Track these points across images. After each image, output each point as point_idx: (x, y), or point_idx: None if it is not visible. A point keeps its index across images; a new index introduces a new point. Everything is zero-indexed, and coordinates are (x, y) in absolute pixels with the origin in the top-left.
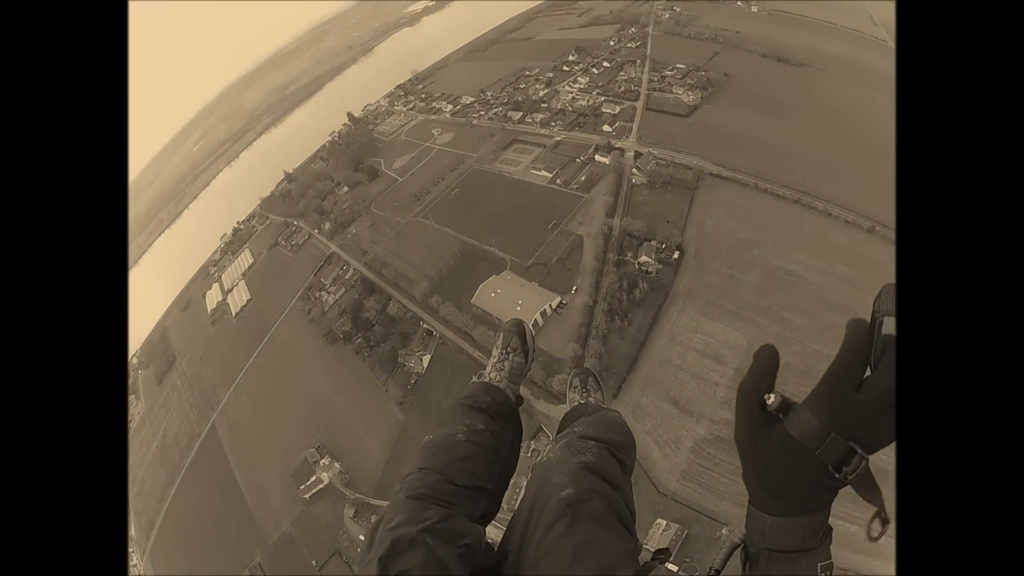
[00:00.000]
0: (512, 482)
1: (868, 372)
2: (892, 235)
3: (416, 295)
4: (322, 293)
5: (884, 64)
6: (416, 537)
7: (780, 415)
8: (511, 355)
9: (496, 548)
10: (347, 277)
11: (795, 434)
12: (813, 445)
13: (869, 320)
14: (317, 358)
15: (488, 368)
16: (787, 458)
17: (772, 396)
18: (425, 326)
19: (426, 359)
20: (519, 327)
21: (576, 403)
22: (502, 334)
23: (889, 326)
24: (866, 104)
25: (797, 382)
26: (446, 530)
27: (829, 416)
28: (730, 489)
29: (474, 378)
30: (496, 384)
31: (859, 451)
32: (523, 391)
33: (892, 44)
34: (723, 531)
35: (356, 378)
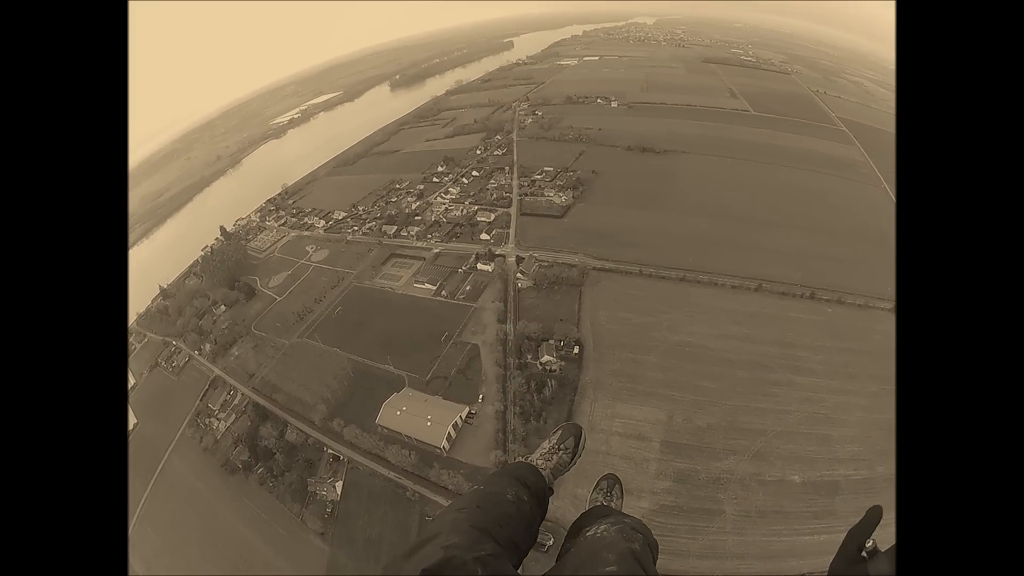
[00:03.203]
0: None
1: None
2: (778, 288)
3: (315, 419)
4: (212, 420)
5: (746, 134)
6: (469, 563)
7: (867, 556)
8: (561, 451)
9: None
10: (236, 403)
11: (872, 572)
12: None
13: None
14: (220, 490)
15: (536, 454)
16: None
17: (871, 541)
18: (331, 451)
19: (339, 486)
20: (578, 432)
21: (599, 503)
22: (561, 431)
23: None
24: (731, 175)
25: (725, 437)
26: (495, 567)
27: (896, 564)
28: (691, 546)
29: (520, 458)
30: (541, 470)
31: None
32: None
33: (753, 112)
34: None
35: (266, 511)
